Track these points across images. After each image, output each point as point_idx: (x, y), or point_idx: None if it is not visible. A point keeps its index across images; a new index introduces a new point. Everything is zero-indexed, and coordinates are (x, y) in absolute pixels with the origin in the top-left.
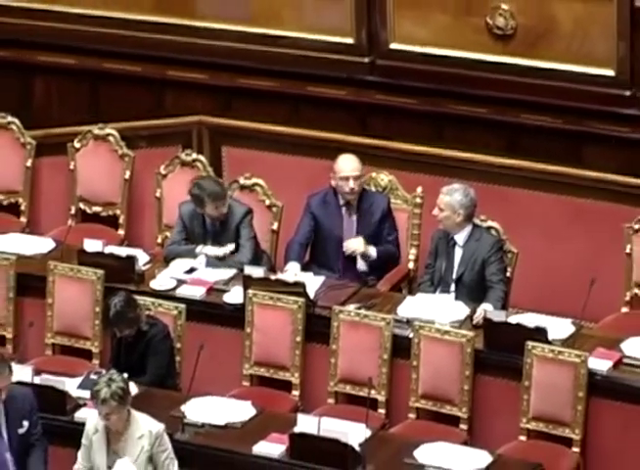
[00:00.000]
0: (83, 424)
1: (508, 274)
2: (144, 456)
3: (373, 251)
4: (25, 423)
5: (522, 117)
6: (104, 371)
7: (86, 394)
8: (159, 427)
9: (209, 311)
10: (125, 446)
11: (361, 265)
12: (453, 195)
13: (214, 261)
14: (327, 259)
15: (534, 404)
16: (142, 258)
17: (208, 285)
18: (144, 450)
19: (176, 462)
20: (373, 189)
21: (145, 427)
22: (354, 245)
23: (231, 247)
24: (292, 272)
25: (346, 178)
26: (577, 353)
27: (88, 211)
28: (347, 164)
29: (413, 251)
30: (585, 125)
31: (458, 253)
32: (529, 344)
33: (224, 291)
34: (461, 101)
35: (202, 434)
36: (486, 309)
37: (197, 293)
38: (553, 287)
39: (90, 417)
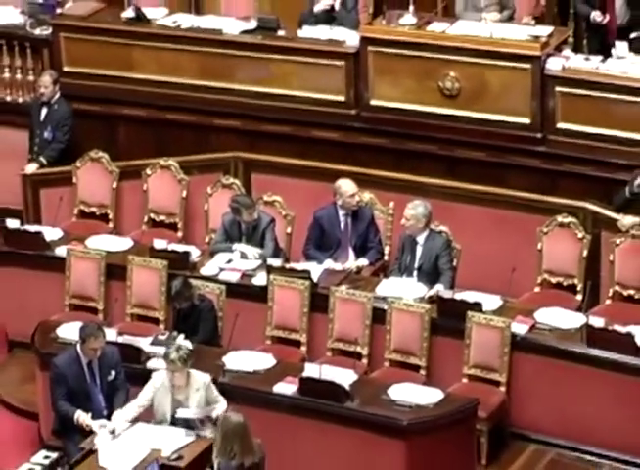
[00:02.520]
0: (154, 371)
1: (454, 264)
2: (202, 401)
3: (365, 261)
4: (113, 372)
5: (461, 151)
6: (167, 333)
7: (155, 349)
8: (208, 378)
9: (242, 291)
10: (187, 396)
11: (351, 254)
12: (417, 209)
13: (245, 256)
14: (326, 248)
15: (473, 357)
16: (194, 252)
17: (242, 272)
18: (202, 397)
19: (222, 397)
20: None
21: (200, 380)
22: (354, 264)
23: (258, 256)
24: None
25: (353, 195)
26: (503, 320)
27: (156, 219)
28: (350, 186)
29: (387, 248)
30: (508, 158)
31: (419, 249)
32: (469, 313)
33: (253, 276)
34: (419, 141)
35: (237, 377)
36: (439, 289)
37: (233, 277)
38: (486, 273)
39: (157, 374)
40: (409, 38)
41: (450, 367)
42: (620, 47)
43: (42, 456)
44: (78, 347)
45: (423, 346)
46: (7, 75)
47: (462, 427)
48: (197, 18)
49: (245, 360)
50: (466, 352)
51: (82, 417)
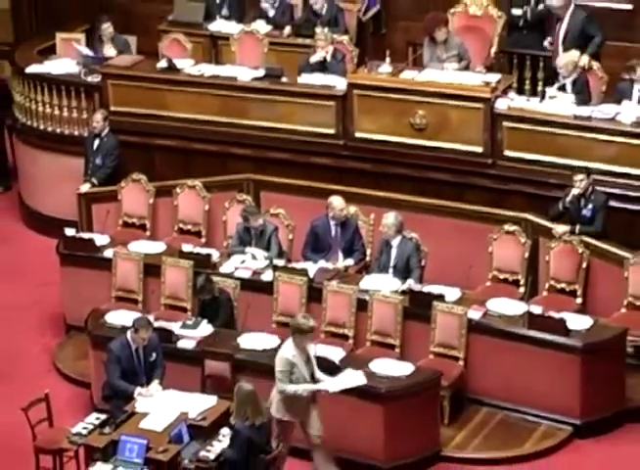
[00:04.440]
0: (183, 350)
1: (422, 263)
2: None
3: (350, 262)
4: (154, 354)
5: (428, 174)
6: (193, 319)
7: (183, 332)
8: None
9: (253, 285)
10: (308, 349)
11: (340, 255)
12: (389, 219)
13: (255, 257)
14: (320, 251)
15: (438, 337)
16: (215, 254)
17: (253, 270)
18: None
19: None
20: None
21: None
22: (342, 264)
23: (265, 257)
24: (335, 264)
25: (342, 209)
26: (462, 308)
27: (184, 228)
28: (340, 202)
29: (368, 251)
30: (465, 179)
31: (394, 251)
32: (435, 303)
33: (261, 273)
34: (395, 165)
35: (249, 355)
36: (410, 283)
37: (246, 274)
38: (448, 270)
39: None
40: (386, 83)
41: (419, 346)
42: (550, 91)
43: (94, 418)
44: (129, 335)
45: (397, 329)
46: (66, 114)
47: (428, 394)
48: (217, 67)
49: (255, 341)
50: (432, 334)
51: (142, 393)
